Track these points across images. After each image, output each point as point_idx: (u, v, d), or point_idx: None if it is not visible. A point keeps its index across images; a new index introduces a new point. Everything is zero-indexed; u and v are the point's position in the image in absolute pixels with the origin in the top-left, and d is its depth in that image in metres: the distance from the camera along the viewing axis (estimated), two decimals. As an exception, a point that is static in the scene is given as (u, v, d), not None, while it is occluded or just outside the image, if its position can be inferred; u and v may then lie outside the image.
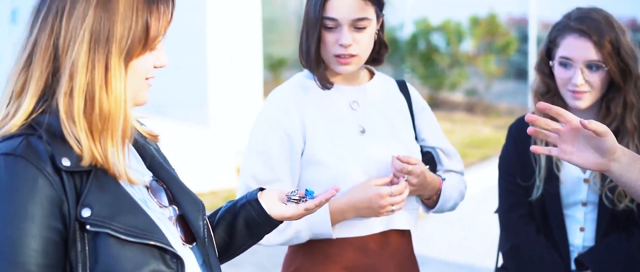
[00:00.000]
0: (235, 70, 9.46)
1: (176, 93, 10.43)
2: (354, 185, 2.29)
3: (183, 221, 1.73)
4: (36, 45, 1.58)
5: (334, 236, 2.32)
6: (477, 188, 6.43)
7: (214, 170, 7.93)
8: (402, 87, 2.54)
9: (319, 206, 1.88)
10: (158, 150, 1.82)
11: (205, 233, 1.75)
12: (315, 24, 2.27)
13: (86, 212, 1.52)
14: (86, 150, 1.54)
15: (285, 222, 2.14)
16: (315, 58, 2.31)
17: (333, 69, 2.33)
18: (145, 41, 1.60)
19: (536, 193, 2.57)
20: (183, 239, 1.71)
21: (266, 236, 2.10)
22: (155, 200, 1.70)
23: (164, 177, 1.76)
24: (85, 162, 1.54)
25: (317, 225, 2.28)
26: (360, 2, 2.27)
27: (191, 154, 8.17)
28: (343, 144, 2.32)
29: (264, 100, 2.41)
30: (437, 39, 14.00)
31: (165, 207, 1.71)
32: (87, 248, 1.53)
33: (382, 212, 2.28)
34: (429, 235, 6.13)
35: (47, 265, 1.51)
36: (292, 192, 1.92)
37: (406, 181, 2.29)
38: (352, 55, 2.29)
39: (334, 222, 2.29)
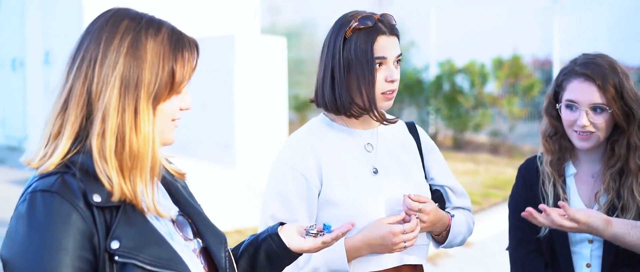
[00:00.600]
0: (262, 111, 9.63)
1: (204, 133, 10.60)
2: (368, 223, 2.39)
3: (207, 253, 1.87)
4: (71, 92, 1.72)
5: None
6: (500, 228, 6.50)
7: (240, 209, 8.06)
8: (412, 129, 2.64)
9: (336, 239, 2.01)
10: (185, 187, 1.95)
11: (227, 264, 1.88)
12: (368, 65, 2.36)
13: (115, 245, 1.65)
14: (116, 187, 1.67)
15: (303, 257, 2.27)
16: (368, 100, 2.39)
17: (380, 105, 2.43)
18: (171, 86, 1.74)
19: (544, 230, 2.66)
20: (206, 270, 1.84)
21: None
22: (181, 233, 1.83)
23: (189, 212, 1.89)
24: (116, 197, 1.67)
25: (334, 261, 2.38)
26: (396, 39, 2.42)
27: (217, 192, 8.31)
28: (357, 185, 2.43)
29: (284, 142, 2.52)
30: (462, 81, 14.08)
31: (190, 240, 1.84)
32: None
33: (395, 249, 2.38)
34: (452, 274, 6.19)
35: None
36: (310, 227, 2.06)
37: (417, 218, 2.39)
38: (393, 91, 2.43)
39: (349, 258, 2.39)
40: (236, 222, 7.71)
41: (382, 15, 2.42)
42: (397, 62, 2.42)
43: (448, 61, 14.27)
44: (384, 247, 2.38)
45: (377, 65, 2.38)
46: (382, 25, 2.39)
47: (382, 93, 2.40)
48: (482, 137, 13.65)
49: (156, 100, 1.73)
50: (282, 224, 2.08)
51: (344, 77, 2.39)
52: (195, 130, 10.94)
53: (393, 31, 2.41)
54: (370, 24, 2.37)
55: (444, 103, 14.10)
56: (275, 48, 9.93)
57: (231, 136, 9.82)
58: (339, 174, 2.43)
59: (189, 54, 1.78)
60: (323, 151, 2.45)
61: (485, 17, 18.12)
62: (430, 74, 15.03)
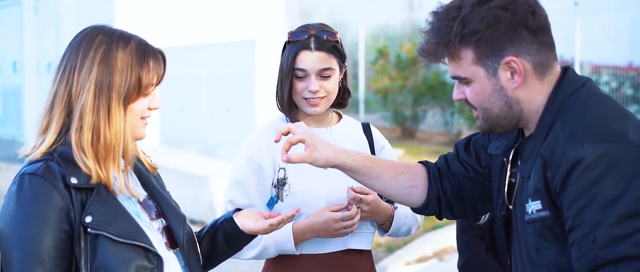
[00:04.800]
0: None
1: (226, 135, 10.97)
2: (315, 211, 2.72)
3: (169, 231, 2.22)
4: (56, 95, 2.10)
5: (299, 253, 2.75)
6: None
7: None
8: (366, 129, 2.96)
9: (283, 223, 2.35)
10: (157, 177, 2.32)
11: (185, 239, 2.23)
12: (288, 75, 2.73)
13: (88, 219, 2.02)
14: (93, 172, 2.04)
15: (256, 238, 2.62)
16: (288, 102, 2.77)
17: (304, 110, 2.78)
18: (139, 89, 2.11)
19: (484, 218, 2.93)
20: (167, 244, 2.19)
21: (240, 251, 2.60)
22: (147, 213, 2.19)
23: (155, 196, 2.25)
24: (93, 180, 2.04)
25: (283, 243, 2.72)
26: (324, 55, 2.73)
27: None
28: (307, 177, 2.74)
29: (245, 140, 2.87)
30: (484, 82, 14.24)
31: (155, 219, 2.20)
32: (88, 246, 2.03)
33: (336, 234, 2.70)
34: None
35: (57, 256, 2.00)
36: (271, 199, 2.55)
37: (358, 208, 2.71)
38: (321, 98, 2.75)
39: (296, 241, 2.72)
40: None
41: (319, 31, 2.74)
42: (322, 76, 2.72)
43: (471, 63, 14.45)
44: (326, 232, 2.70)
45: (299, 75, 2.72)
46: (312, 40, 2.71)
47: (304, 98, 2.74)
48: (504, 138, 13.80)
49: (126, 100, 2.10)
50: (239, 209, 2.43)
51: (279, 81, 2.78)
52: (218, 132, 11.32)
53: (320, 47, 2.72)
54: (299, 38, 2.72)
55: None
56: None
57: (252, 137, 10.15)
58: (292, 166, 2.71)
59: (154, 62, 2.16)
60: (278, 145, 2.71)
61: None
62: (454, 76, 15.22)
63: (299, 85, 2.74)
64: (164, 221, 2.22)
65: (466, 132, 15.03)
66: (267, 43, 10.73)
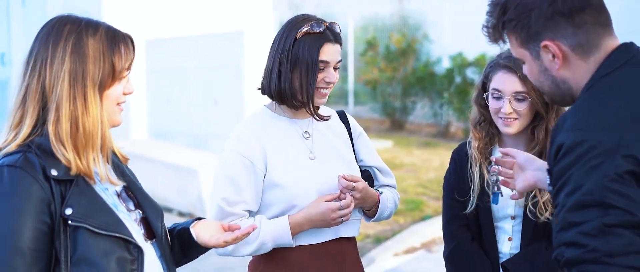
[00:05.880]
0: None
1: (214, 127, 10.96)
2: (308, 202, 2.71)
3: (146, 222, 2.20)
4: (28, 89, 2.06)
5: (294, 245, 2.74)
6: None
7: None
8: (342, 117, 2.97)
9: (236, 240, 2.30)
10: (129, 169, 2.30)
11: (162, 232, 2.22)
12: (313, 66, 2.67)
13: (69, 211, 1.99)
14: (73, 164, 2.02)
15: (253, 233, 2.62)
16: (310, 94, 2.70)
17: (316, 101, 2.74)
18: (113, 75, 2.09)
19: (470, 207, 2.95)
20: (145, 236, 2.18)
21: (237, 249, 2.63)
22: (124, 205, 2.17)
23: (132, 188, 2.23)
24: (73, 172, 2.02)
25: (280, 236, 2.70)
26: (339, 47, 2.74)
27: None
28: (297, 169, 2.73)
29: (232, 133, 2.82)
30: (473, 74, 14.30)
31: (132, 211, 2.18)
32: (68, 239, 2.00)
33: (333, 223, 2.71)
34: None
35: (37, 249, 1.97)
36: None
37: (351, 196, 2.72)
38: (328, 90, 2.75)
39: (293, 233, 2.71)
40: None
41: (330, 23, 2.73)
42: (335, 68, 2.74)
43: (459, 54, 14.49)
44: (323, 222, 2.70)
45: (322, 67, 2.69)
46: (330, 33, 2.70)
47: (318, 88, 2.72)
48: (492, 129, 13.83)
49: (101, 87, 2.07)
50: (199, 219, 2.40)
51: (289, 72, 2.69)
52: (207, 124, 11.31)
53: (337, 40, 2.73)
54: (319, 30, 2.68)
55: (455, 96, 14.33)
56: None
57: (240, 129, 10.15)
58: (281, 159, 2.73)
59: (125, 47, 2.13)
60: (267, 139, 2.74)
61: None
62: (443, 67, 15.26)
63: (319, 77, 2.72)
64: (141, 212, 2.21)
65: (455, 124, 15.07)
66: (256, 35, 10.72)
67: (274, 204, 2.73)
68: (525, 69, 2.13)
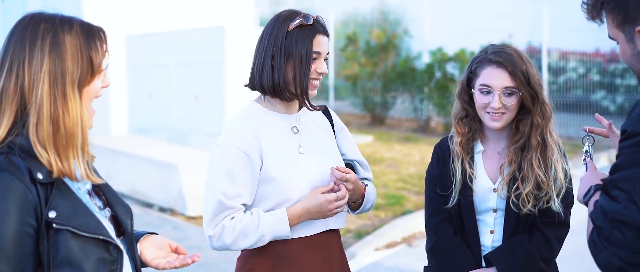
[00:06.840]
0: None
1: (195, 123, 10.94)
2: (301, 195, 2.74)
3: (115, 220, 2.20)
4: (5, 90, 2.02)
5: (291, 237, 2.77)
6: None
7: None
8: (326, 112, 3.01)
9: (184, 264, 2.31)
10: (94, 167, 2.28)
11: (131, 230, 2.23)
12: (307, 58, 2.72)
13: (52, 214, 1.98)
14: (55, 167, 2.00)
15: (252, 227, 2.68)
16: (305, 85, 2.74)
17: (310, 92, 2.78)
18: (92, 70, 2.07)
19: (452, 202, 2.98)
20: (116, 233, 2.18)
21: (234, 242, 2.67)
22: (94, 202, 2.16)
23: (100, 186, 2.22)
24: (55, 174, 2.00)
25: (278, 228, 2.72)
26: (327, 39, 2.80)
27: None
28: (289, 163, 2.76)
29: (224, 128, 2.83)
30: (452, 69, 14.37)
31: (102, 209, 2.18)
32: (50, 241, 1.99)
33: (329, 214, 2.75)
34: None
35: (24, 253, 1.96)
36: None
37: (345, 187, 2.76)
38: (318, 81, 2.80)
39: (290, 225, 2.74)
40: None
41: (317, 17, 2.78)
42: (325, 59, 2.79)
43: (439, 50, 14.55)
44: (320, 213, 2.74)
45: (314, 58, 2.73)
46: (319, 25, 2.75)
47: (310, 79, 2.75)
48: (471, 124, 13.89)
49: (80, 84, 2.05)
50: (152, 233, 2.42)
51: (282, 65, 2.72)
52: (188, 120, 11.29)
53: (325, 32, 2.78)
54: (311, 22, 2.73)
55: (435, 91, 14.39)
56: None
57: (222, 126, 10.13)
58: (275, 153, 2.75)
59: (99, 41, 2.11)
60: (261, 132, 2.76)
61: (479, 5, 18.36)
62: (423, 63, 15.31)
63: (311, 67, 2.77)
64: (110, 210, 2.21)
65: (435, 119, 15.13)
66: (237, 31, 10.71)
67: (268, 198, 2.75)
68: (619, 50, 2.22)
